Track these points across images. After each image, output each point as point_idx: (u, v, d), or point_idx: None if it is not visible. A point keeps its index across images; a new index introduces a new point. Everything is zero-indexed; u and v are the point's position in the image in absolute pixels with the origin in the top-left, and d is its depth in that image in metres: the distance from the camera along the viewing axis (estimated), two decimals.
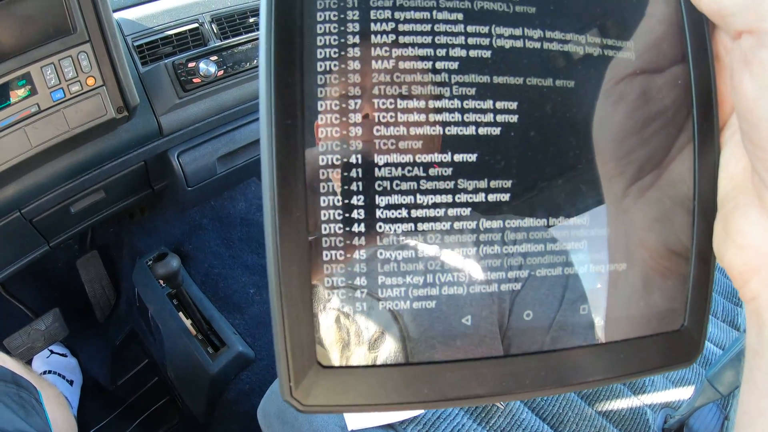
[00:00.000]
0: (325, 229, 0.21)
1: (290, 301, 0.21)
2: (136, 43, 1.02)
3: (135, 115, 0.96)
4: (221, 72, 1.06)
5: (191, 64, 1.03)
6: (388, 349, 0.23)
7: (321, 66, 0.21)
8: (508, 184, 0.23)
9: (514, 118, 0.23)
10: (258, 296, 1.41)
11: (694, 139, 0.25)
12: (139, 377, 1.43)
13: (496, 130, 0.23)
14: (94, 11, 0.84)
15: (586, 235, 0.24)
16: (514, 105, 0.23)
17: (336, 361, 0.23)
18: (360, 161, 0.22)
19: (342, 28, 0.21)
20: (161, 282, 1.33)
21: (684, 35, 0.25)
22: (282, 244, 0.21)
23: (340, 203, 0.21)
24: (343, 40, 0.21)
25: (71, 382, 1.34)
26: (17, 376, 0.74)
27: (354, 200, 0.22)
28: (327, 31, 0.21)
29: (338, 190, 0.21)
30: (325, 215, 0.21)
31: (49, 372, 1.31)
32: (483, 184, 0.23)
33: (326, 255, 0.22)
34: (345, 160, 0.21)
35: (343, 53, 0.21)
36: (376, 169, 0.22)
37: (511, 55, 0.23)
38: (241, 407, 1.25)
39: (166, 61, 1.03)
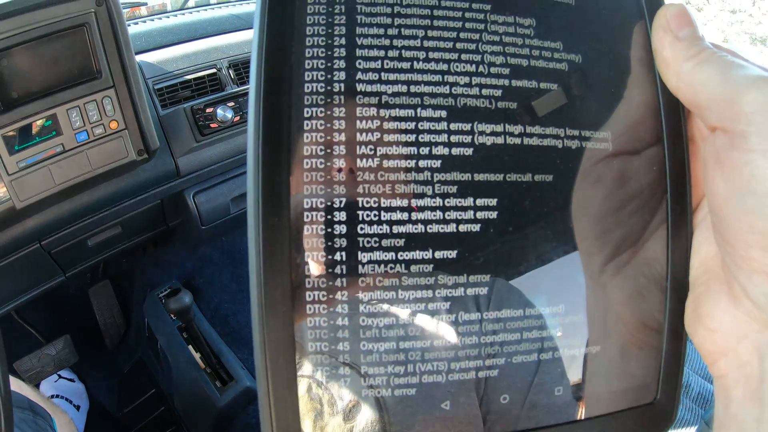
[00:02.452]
0: (310, 321, 0.22)
1: (276, 378, 0.22)
2: (156, 87, 1.06)
3: (154, 157, 0.99)
4: (237, 117, 1.10)
5: (209, 110, 1.08)
6: (368, 424, 0.24)
7: (307, 164, 0.22)
8: (486, 278, 0.24)
9: (494, 215, 0.24)
10: None
11: (667, 221, 0.26)
12: (146, 406, 1.43)
13: (476, 227, 0.24)
14: (119, 58, 0.88)
15: (561, 323, 0.25)
16: (494, 202, 0.24)
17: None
18: (344, 258, 0.23)
19: (328, 126, 0.22)
20: (172, 315, 1.35)
21: (660, 119, 0.25)
22: (269, 330, 0.22)
23: (324, 298, 0.22)
24: (328, 138, 0.22)
25: (78, 407, 1.35)
26: (33, 403, 0.76)
27: (338, 296, 0.22)
28: (313, 128, 0.22)
29: (322, 284, 0.22)
30: (310, 309, 0.22)
31: (57, 396, 1.33)
32: (462, 279, 0.24)
33: (311, 345, 0.23)
34: (329, 257, 0.22)
35: (328, 152, 0.22)
36: (360, 267, 0.23)
37: (492, 151, 0.24)
38: None
39: (185, 105, 1.07)
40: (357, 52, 0.23)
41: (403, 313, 0.23)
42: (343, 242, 0.23)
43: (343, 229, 0.23)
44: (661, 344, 0.26)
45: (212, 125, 1.07)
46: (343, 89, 0.23)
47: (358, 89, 0.23)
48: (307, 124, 0.22)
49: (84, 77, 0.88)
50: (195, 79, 1.09)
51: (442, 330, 0.24)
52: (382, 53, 0.23)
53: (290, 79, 0.23)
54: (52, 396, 1.33)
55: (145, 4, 1.45)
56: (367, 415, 0.23)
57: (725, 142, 0.21)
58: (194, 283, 1.53)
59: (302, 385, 0.22)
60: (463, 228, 0.24)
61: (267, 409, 0.22)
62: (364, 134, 0.23)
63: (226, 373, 1.29)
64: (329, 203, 0.23)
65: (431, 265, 0.23)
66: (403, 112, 0.23)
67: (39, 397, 0.82)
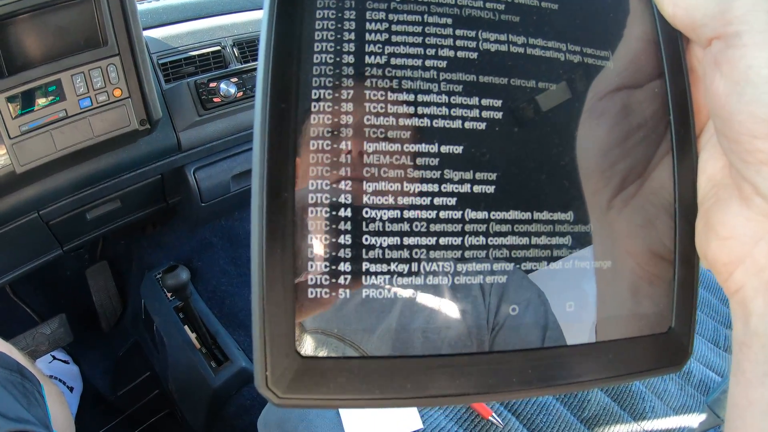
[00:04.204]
0: (312, 212, 0.22)
1: (271, 287, 0.21)
2: (160, 61, 1.06)
3: (156, 129, 0.99)
4: (240, 93, 1.10)
5: (212, 84, 1.08)
6: (370, 341, 0.23)
7: (317, 59, 0.23)
8: (493, 176, 0.24)
9: (499, 115, 0.24)
10: None
11: (672, 147, 0.26)
12: (140, 389, 1.43)
13: (482, 125, 0.24)
14: (125, 27, 0.88)
15: (570, 231, 0.25)
16: (498, 102, 0.24)
17: (316, 351, 0.22)
18: (349, 147, 0.22)
19: (339, 26, 0.23)
20: (169, 294, 1.35)
21: (660, 51, 0.26)
22: (268, 220, 0.21)
23: (327, 187, 0.22)
24: (339, 36, 0.23)
25: (71, 389, 1.35)
26: (22, 366, 0.75)
27: (341, 185, 0.22)
28: (324, 27, 0.23)
29: (326, 172, 0.22)
30: (312, 198, 0.22)
31: (51, 377, 1.32)
32: (468, 175, 0.23)
33: (310, 238, 0.22)
34: (334, 145, 0.22)
35: (338, 48, 0.23)
36: (365, 156, 0.22)
37: (497, 57, 0.24)
38: (241, 422, 1.24)
39: (188, 80, 1.07)
40: None
41: (407, 207, 0.23)
42: (349, 132, 0.23)
43: (349, 119, 0.23)
44: (672, 273, 0.26)
45: (215, 99, 1.07)
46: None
47: None
48: (319, 24, 0.23)
49: (89, 47, 0.87)
50: (199, 55, 1.09)
51: (448, 227, 0.23)
52: None
53: None
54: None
55: None
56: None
57: (721, 46, 0.22)
58: (192, 265, 1.52)
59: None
60: (468, 125, 0.24)
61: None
62: (372, 34, 0.23)
63: (221, 353, 1.29)
64: (338, 95, 0.23)
65: (437, 159, 0.23)
66: (410, 17, 0.24)
67: (29, 363, 0.81)
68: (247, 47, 1.14)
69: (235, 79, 1.10)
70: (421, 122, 0.23)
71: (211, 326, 1.33)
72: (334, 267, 0.22)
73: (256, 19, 1.19)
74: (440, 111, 0.24)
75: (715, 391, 0.82)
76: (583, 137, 0.25)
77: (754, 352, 0.22)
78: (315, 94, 0.23)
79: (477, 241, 0.24)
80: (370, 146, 0.23)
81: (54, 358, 1.41)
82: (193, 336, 1.29)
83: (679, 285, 0.26)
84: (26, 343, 1.38)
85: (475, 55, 0.24)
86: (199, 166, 1.15)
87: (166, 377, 1.37)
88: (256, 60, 1.13)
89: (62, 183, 0.97)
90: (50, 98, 0.86)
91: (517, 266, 0.24)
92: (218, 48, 1.11)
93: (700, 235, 0.25)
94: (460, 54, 0.24)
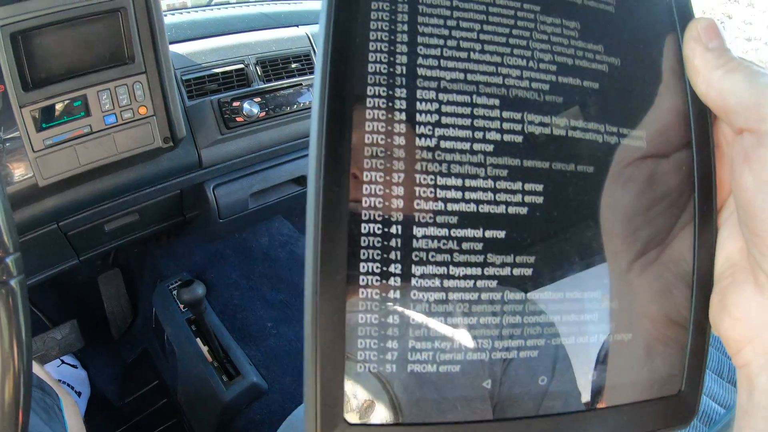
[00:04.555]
0: (363, 293, 0.23)
1: (325, 357, 0.22)
2: (184, 78, 1.07)
3: (179, 146, 1.01)
4: (263, 113, 1.12)
5: (236, 104, 1.09)
6: (414, 410, 0.24)
7: (368, 139, 0.23)
8: (532, 260, 0.25)
9: (540, 200, 0.25)
10: (275, 330, 1.43)
11: (694, 220, 0.27)
12: (148, 397, 1.43)
13: (524, 210, 0.25)
14: (152, 44, 0.90)
15: (598, 308, 0.26)
16: (540, 187, 0.25)
17: (363, 418, 0.23)
18: (400, 231, 0.23)
19: (390, 104, 0.23)
20: (182, 306, 1.36)
21: (689, 124, 0.27)
22: (321, 304, 0.22)
23: (378, 270, 0.23)
24: (390, 116, 0.23)
25: (79, 394, 1.36)
26: (42, 381, 0.76)
27: (392, 268, 0.23)
28: (375, 105, 0.23)
29: (377, 256, 0.23)
30: (363, 280, 0.23)
31: (60, 381, 1.33)
32: (509, 259, 0.24)
33: (361, 318, 0.23)
34: (385, 229, 0.23)
35: (389, 129, 0.23)
36: (414, 241, 0.23)
37: (540, 140, 0.25)
38: None
39: (211, 97, 1.08)
40: (418, 39, 0.24)
41: (452, 289, 0.24)
42: (399, 216, 0.23)
43: (400, 203, 0.23)
44: (686, 339, 0.27)
45: (238, 119, 1.08)
46: (405, 72, 0.24)
47: (419, 73, 0.24)
48: (370, 102, 0.23)
49: (115, 62, 0.89)
50: (222, 73, 1.11)
51: (488, 308, 0.24)
52: (441, 42, 0.24)
53: (354, 64, 0.23)
54: None
55: None
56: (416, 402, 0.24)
57: (753, 142, 0.23)
58: (205, 277, 1.53)
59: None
60: (512, 210, 0.25)
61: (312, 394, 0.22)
62: (423, 115, 0.24)
63: (233, 367, 1.30)
64: (389, 178, 0.23)
65: (481, 244, 0.24)
66: (460, 98, 0.24)
67: (47, 376, 0.82)
68: (270, 66, 1.15)
69: (258, 99, 1.11)
70: (468, 207, 0.24)
71: (223, 340, 1.34)
72: (383, 344, 0.23)
73: (279, 38, 1.21)
74: (486, 196, 0.24)
75: (718, 423, 0.82)
76: (607, 201, 0.26)
77: (755, 421, 0.24)
78: (367, 175, 0.23)
79: (513, 320, 0.25)
80: (418, 231, 0.24)
81: (62, 362, 1.42)
82: (204, 349, 1.30)
83: (692, 351, 0.27)
84: (36, 347, 1.38)
85: (520, 138, 0.25)
86: (218, 183, 1.16)
87: (175, 387, 1.38)
88: (278, 80, 1.14)
89: (83, 196, 0.98)
90: (75, 113, 0.87)
91: (548, 342, 0.25)
92: (241, 66, 1.12)
93: (714, 310, 0.26)
94: (506, 138, 0.25)
